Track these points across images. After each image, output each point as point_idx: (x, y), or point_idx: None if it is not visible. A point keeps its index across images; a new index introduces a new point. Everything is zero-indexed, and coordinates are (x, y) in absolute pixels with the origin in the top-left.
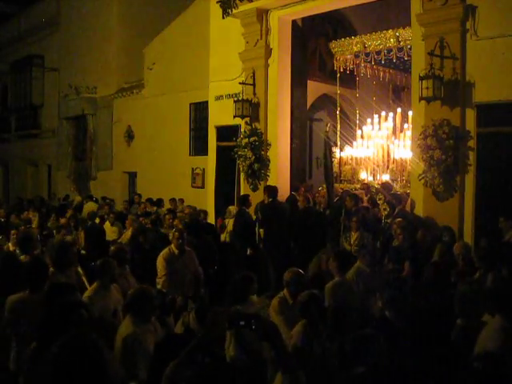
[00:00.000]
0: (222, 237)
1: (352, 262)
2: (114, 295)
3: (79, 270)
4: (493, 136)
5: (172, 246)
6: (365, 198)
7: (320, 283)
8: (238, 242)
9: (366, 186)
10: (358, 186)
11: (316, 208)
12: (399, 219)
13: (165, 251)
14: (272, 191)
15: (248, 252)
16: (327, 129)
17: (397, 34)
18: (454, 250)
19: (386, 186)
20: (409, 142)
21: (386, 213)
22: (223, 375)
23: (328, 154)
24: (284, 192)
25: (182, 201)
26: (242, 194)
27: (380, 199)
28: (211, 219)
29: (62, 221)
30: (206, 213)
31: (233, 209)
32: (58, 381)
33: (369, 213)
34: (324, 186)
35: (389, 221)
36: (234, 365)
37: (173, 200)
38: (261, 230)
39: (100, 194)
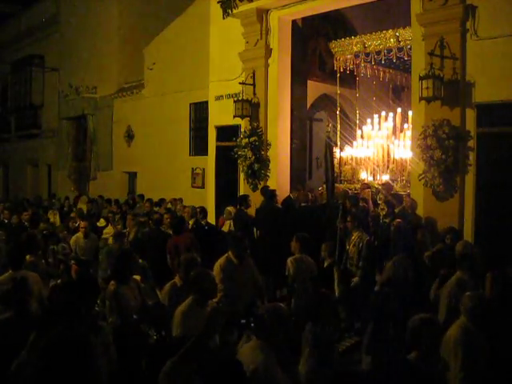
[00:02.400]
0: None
1: (312, 245)
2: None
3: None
4: (493, 136)
5: (230, 253)
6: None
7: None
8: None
9: (366, 186)
10: (358, 185)
11: (312, 206)
12: (397, 220)
13: (222, 260)
14: (264, 192)
15: None
16: (329, 129)
17: (397, 34)
18: (456, 248)
19: (386, 186)
20: (409, 142)
21: (384, 213)
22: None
23: (328, 155)
24: (284, 192)
25: (181, 200)
26: (241, 194)
27: (380, 199)
28: (211, 219)
29: (83, 224)
30: (202, 209)
31: (231, 209)
32: (43, 374)
33: (364, 213)
34: (324, 186)
35: (387, 220)
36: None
37: (175, 200)
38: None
39: (100, 194)
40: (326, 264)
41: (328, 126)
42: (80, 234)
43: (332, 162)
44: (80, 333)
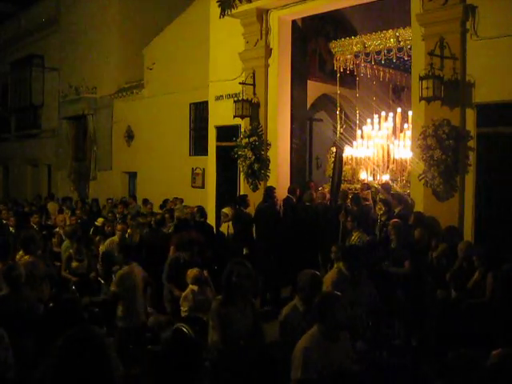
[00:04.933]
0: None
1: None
2: (343, 347)
3: None
4: (493, 136)
5: (341, 265)
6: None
7: None
8: (235, 242)
9: (366, 187)
10: (358, 186)
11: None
12: (394, 220)
13: (333, 273)
14: (265, 193)
15: (244, 252)
16: (341, 130)
17: (397, 34)
18: (458, 249)
19: (384, 186)
20: (409, 142)
21: (381, 212)
22: None
23: (338, 160)
24: (284, 192)
25: (181, 200)
26: (241, 194)
27: (380, 199)
28: (211, 219)
29: (119, 227)
30: (200, 208)
31: (227, 211)
32: (62, 372)
33: (365, 213)
34: (324, 186)
35: (383, 219)
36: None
37: (175, 199)
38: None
39: (100, 194)
40: (335, 266)
41: (342, 127)
42: (116, 238)
43: (341, 166)
44: (96, 333)
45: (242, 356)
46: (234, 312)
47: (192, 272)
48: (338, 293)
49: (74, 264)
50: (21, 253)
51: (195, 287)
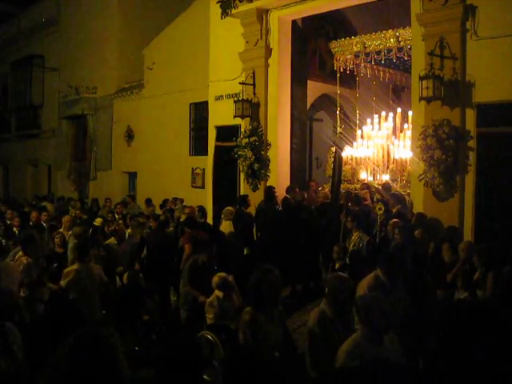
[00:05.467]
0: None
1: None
2: (390, 350)
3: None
4: (493, 136)
5: (379, 271)
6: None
7: None
8: (237, 242)
9: (366, 187)
10: (358, 186)
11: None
12: (395, 220)
13: (370, 279)
14: (265, 193)
15: (245, 252)
16: (341, 130)
17: (397, 34)
18: (458, 249)
19: (385, 186)
20: (409, 142)
21: (381, 212)
22: None
23: (337, 159)
24: (284, 192)
25: (181, 201)
26: (241, 194)
27: (377, 199)
28: (210, 219)
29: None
30: (200, 208)
31: (232, 209)
32: (72, 372)
33: (365, 213)
34: (324, 186)
35: (382, 219)
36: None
37: (175, 199)
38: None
39: (100, 194)
40: (337, 265)
41: (342, 127)
42: (113, 240)
43: (340, 165)
44: (105, 333)
45: (276, 367)
46: (265, 323)
47: (217, 277)
48: (381, 295)
49: None
50: (20, 253)
51: (220, 293)
